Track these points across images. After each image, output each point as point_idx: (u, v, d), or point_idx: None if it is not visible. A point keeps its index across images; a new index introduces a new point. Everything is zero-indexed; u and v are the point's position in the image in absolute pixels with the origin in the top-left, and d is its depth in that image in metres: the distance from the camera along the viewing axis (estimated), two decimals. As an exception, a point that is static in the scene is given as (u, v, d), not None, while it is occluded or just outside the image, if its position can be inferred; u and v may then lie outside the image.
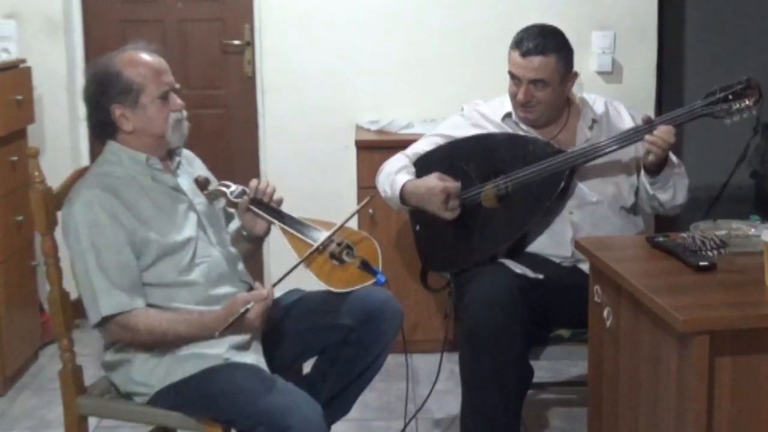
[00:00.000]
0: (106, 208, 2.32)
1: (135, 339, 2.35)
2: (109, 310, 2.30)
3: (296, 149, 4.16)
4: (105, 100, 2.39)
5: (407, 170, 3.01)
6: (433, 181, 2.88)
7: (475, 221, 2.90)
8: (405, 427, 2.94)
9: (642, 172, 2.86)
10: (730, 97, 2.66)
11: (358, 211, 2.59)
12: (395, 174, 3.00)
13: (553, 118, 2.97)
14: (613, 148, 2.80)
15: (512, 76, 2.92)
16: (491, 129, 2.99)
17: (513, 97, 2.94)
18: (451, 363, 3.16)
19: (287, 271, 2.40)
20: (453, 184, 2.87)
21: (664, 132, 2.70)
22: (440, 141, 3.06)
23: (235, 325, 2.28)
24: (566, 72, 2.91)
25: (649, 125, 2.75)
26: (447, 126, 3.10)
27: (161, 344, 2.35)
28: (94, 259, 2.30)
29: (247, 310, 2.28)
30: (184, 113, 2.46)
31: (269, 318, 2.51)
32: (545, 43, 2.87)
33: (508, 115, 3.00)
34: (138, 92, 2.38)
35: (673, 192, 2.86)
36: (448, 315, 2.97)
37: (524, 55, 2.87)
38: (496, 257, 2.85)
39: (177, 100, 2.44)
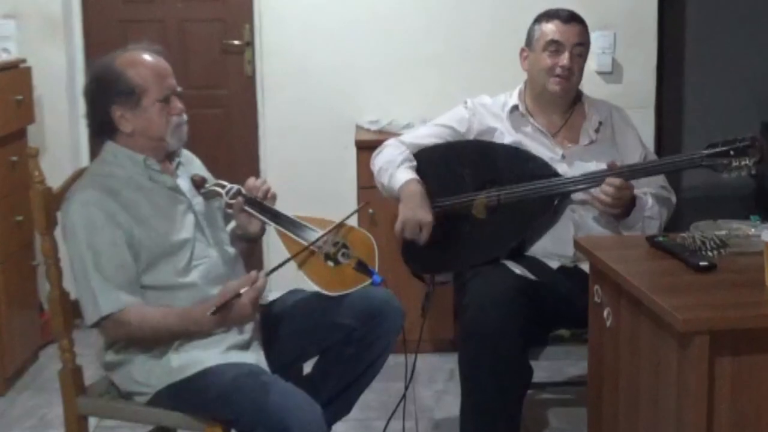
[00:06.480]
0: (103, 208, 2.31)
1: (128, 334, 2.34)
2: (109, 309, 2.29)
3: (296, 149, 4.16)
4: (105, 100, 2.39)
5: (408, 163, 2.96)
6: (424, 213, 2.81)
7: (462, 229, 2.89)
8: (389, 420, 2.90)
9: None
10: (732, 152, 2.63)
11: (352, 215, 2.57)
12: (396, 168, 2.94)
13: (568, 100, 2.98)
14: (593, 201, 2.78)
15: (552, 44, 2.90)
16: (494, 123, 2.98)
17: (549, 69, 2.91)
18: (451, 363, 3.17)
19: (279, 263, 2.40)
20: (427, 232, 2.80)
21: (605, 192, 2.70)
22: (442, 131, 3.04)
23: (228, 308, 2.25)
24: (588, 51, 2.98)
25: (605, 172, 2.74)
26: (450, 117, 3.06)
27: (154, 339, 2.34)
28: (91, 259, 2.30)
29: (239, 295, 2.25)
30: (185, 117, 2.45)
31: (270, 318, 2.52)
32: (578, 14, 2.95)
33: (515, 108, 2.99)
34: (140, 94, 2.37)
35: (641, 230, 2.83)
36: (424, 315, 2.96)
37: (566, 21, 2.91)
38: (475, 267, 2.83)
39: (178, 104, 2.43)
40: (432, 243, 2.88)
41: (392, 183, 2.93)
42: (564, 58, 2.89)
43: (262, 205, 2.48)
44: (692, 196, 5.76)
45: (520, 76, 3.05)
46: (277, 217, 2.49)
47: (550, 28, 2.92)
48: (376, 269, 2.51)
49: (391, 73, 4.13)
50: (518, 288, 2.68)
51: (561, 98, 2.96)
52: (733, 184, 2.77)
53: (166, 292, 2.37)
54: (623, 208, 2.75)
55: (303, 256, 2.44)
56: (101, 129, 2.44)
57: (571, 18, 2.92)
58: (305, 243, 2.45)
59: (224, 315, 2.28)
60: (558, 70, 2.90)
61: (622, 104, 3.17)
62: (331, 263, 2.47)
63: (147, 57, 2.42)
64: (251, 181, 2.50)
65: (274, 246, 4.03)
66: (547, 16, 2.95)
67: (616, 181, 2.70)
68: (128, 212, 2.34)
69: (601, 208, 2.76)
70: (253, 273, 2.35)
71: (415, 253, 3.00)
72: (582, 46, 2.93)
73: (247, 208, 2.47)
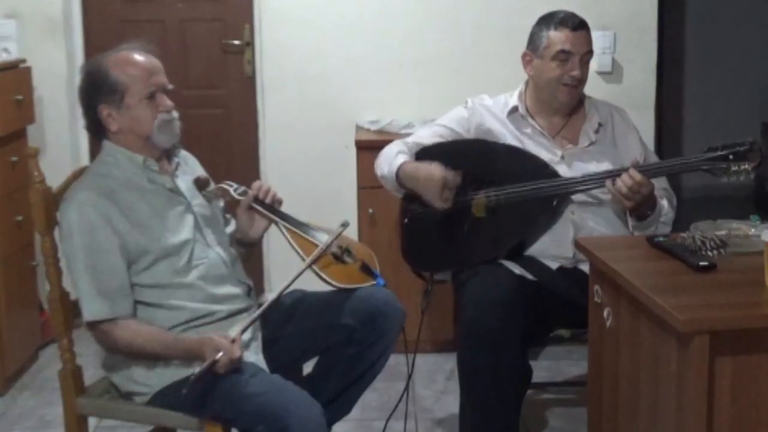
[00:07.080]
0: (100, 211, 2.32)
1: (115, 348, 2.36)
2: (90, 317, 2.31)
3: (296, 149, 4.16)
4: (93, 100, 2.40)
5: (404, 156, 2.97)
6: (435, 168, 2.83)
7: (461, 228, 2.89)
8: (387, 420, 2.91)
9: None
10: (731, 156, 2.62)
11: (339, 234, 2.57)
12: (395, 156, 2.96)
13: (573, 105, 2.98)
14: (606, 182, 2.75)
15: (561, 54, 2.88)
16: (494, 123, 2.98)
17: (558, 78, 2.89)
18: (451, 363, 3.16)
19: (291, 281, 2.40)
20: (453, 176, 2.82)
21: (624, 182, 2.68)
22: (442, 132, 3.04)
23: (203, 371, 2.21)
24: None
25: (617, 171, 2.74)
26: (450, 118, 3.06)
27: (141, 356, 2.35)
28: (83, 261, 2.30)
29: (215, 361, 2.21)
30: (174, 114, 2.44)
31: (270, 318, 2.51)
32: (584, 20, 2.93)
33: (514, 109, 2.99)
34: (123, 92, 2.37)
35: (653, 232, 2.81)
36: (424, 311, 2.96)
37: (575, 29, 2.88)
38: (474, 266, 2.83)
39: (166, 101, 2.42)
40: (431, 241, 2.88)
41: (391, 168, 2.93)
42: (575, 69, 2.88)
43: (270, 206, 2.50)
44: (692, 196, 5.77)
45: (520, 76, 3.05)
46: (285, 218, 2.51)
47: (559, 37, 2.88)
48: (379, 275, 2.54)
49: (391, 73, 4.13)
50: (517, 288, 2.68)
51: (568, 105, 2.97)
52: (733, 185, 2.76)
53: (165, 290, 2.37)
54: (637, 203, 2.73)
55: (314, 255, 2.45)
56: (95, 129, 2.46)
57: (580, 26, 2.89)
58: (316, 242, 2.47)
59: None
60: (568, 80, 2.89)
61: (622, 104, 3.17)
62: (338, 263, 2.49)
63: (135, 55, 2.42)
64: (257, 183, 2.52)
65: (274, 249, 4.05)
66: (555, 22, 2.90)
67: (637, 175, 2.68)
68: (125, 214, 2.34)
69: (617, 196, 2.73)
70: (226, 342, 2.24)
71: (415, 251, 3.00)
72: (590, 53, 2.93)
73: (254, 205, 2.49)
